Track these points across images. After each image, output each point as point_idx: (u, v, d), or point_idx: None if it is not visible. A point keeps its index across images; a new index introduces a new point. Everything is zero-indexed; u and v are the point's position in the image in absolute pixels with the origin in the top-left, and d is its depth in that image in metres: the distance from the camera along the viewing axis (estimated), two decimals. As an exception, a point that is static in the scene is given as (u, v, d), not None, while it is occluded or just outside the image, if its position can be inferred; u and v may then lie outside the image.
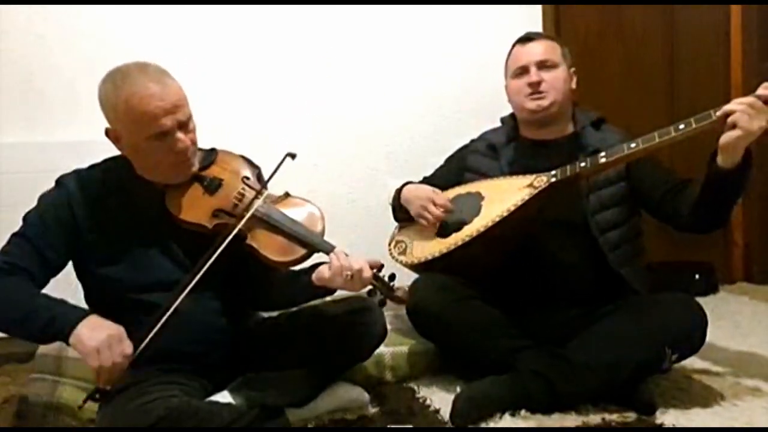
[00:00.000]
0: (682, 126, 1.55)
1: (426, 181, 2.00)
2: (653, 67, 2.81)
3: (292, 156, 1.49)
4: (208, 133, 1.55)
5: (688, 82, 2.76)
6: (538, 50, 1.84)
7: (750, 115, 1.44)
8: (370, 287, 1.45)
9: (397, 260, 1.86)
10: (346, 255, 1.44)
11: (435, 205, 1.81)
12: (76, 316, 1.30)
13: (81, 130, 2.11)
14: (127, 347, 1.28)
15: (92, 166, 1.53)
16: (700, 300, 1.69)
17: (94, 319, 1.30)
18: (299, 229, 1.48)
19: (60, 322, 1.29)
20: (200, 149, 1.53)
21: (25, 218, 1.44)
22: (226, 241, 1.40)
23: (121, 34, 2.23)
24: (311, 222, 1.51)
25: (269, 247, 1.46)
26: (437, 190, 1.86)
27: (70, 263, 1.48)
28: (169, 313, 1.33)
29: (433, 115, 2.61)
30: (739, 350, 1.99)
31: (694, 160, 1.74)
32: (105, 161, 1.54)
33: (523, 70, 1.84)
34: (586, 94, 2.71)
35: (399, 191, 1.94)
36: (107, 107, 1.42)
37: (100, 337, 1.26)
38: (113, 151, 1.52)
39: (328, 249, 1.47)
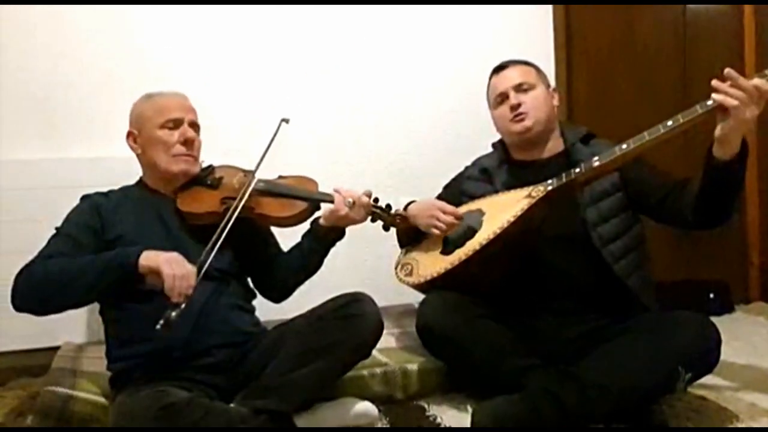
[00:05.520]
0: (669, 123, 1.57)
1: None
2: (665, 81, 2.79)
3: (286, 121, 1.71)
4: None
5: (701, 91, 2.72)
6: (513, 75, 1.89)
7: (745, 104, 1.43)
8: (372, 215, 1.71)
9: (404, 282, 1.87)
10: None
11: (444, 213, 1.82)
12: (134, 250, 1.44)
13: (96, 146, 2.16)
14: (189, 265, 1.42)
15: (110, 190, 1.71)
16: (715, 320, 1.67)
17: (150, 250, 1.44)
18: (298, 190, 1.71)
19: (120, 258, 1.44)
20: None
21: (57, 228, 1.59)
22: (246, 197, 1.59)
23: (136, 53, 2.24)
24: (307, 184, 1.75)
25: (275, 208, 1.68)
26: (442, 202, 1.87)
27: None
28: (217, 249, 1.49)
29: (445, 131, 2.60)
30: (755, 371, 1.96)
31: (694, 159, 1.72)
32: (121, 187, 1.73)
33: (503, 97, 1.88)
34: (597, 107, 2.73)
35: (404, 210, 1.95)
36: (134, 113, 1.69)
37: (166, 254, 1.42)
38: (127, 167, 1.67)
39: (329, 197, 1.67)
